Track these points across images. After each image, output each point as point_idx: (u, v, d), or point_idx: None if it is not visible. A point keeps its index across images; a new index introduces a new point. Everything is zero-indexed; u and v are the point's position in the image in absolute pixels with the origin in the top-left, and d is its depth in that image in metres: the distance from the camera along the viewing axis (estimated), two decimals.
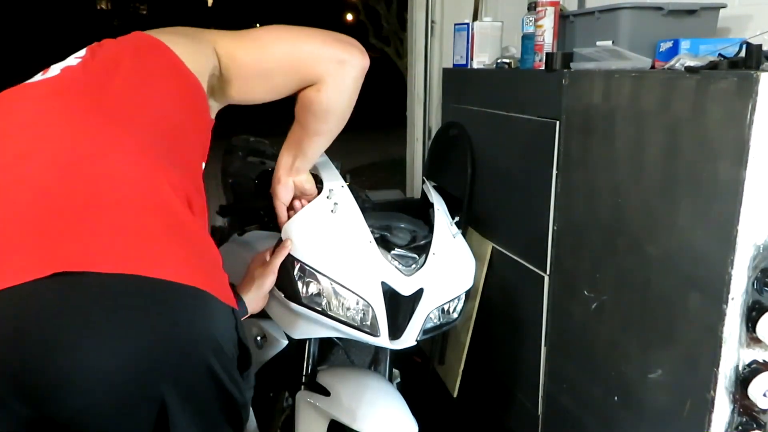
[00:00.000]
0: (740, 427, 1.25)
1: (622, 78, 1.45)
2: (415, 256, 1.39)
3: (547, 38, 1.88)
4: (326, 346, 1.59)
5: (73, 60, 1.01)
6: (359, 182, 1.62)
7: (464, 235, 2.27)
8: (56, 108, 0.90)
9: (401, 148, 3.49)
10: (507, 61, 2.14)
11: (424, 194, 1.61)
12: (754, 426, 1.25)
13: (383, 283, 1.31)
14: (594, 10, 1.79)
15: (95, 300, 0.75)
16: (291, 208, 1.38)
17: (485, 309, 2.26)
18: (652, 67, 1.51)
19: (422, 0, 3.03)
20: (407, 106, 3.26)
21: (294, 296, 1.32)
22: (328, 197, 1.37)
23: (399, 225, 1.44)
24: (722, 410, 1.24)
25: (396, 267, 1.34)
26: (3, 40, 14.01)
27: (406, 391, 1.49)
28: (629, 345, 1.49)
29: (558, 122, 1.70)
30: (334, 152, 1.42)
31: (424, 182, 1.69)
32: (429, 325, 1.39)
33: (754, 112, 1.10)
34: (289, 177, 1.35)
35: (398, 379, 1.66)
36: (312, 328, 1.38)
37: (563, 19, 1.95)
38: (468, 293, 1.48)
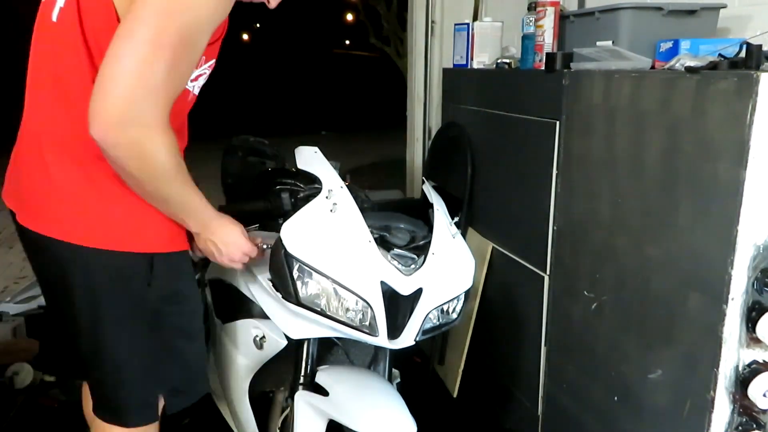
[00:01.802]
0: (740, 427, 1.25)
1: (622, 78, 1.45)
2: (414, 256, 1.39)
3: (547, 38, 1.88)
4: (325, 346, 1.59)
5: None
6: (359, 182, 1.62)
7: (464, 235, 2.27)
8: None
9: (401, 148, 3.49)
10: (507, 61, 2.14)
11: (423, 194, 1.61)
12: (754, 426, 1.24)
13: (382, 283, 1.31)
14: (594, 10, 1.79)
15: None
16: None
17: (485, 309, 2.26)
18: (652, 67, 1.51)
19: (422, 0, 3.03)
20: (407, 106, 3.26)
21: (291, 296, 1.32)
22: (327, 197, 1.37)
23: (398, 225, 1.44)
24: (722, 410, 1.24)
25: (395, 267, 1.33)
26: (3, 39, 14.01)
27: (405, 391, 1.49)
28: (629, 345, 1.49)
29: (558, 122, 1.70)
30: (333, 152, 1.42)
31: (423, 182, 1.69)
32: (428, 325, 1.39)
33: (754, 112, 1.10)
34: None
35: (398, 379, 1.66)
36: (311, 328, 1.38)
37: (563, 19, 1.95)
38: (468, 293, 1.48)
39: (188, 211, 1.20)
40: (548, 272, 1.82)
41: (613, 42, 1.66)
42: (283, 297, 1.34)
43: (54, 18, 1.15)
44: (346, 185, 1.41)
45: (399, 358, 1.58)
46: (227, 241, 1.29)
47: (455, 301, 1.45)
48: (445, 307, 1.43)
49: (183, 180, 1.14)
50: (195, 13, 1.03)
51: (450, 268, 1.43)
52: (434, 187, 1.70)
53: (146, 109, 1.02)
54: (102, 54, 1.02)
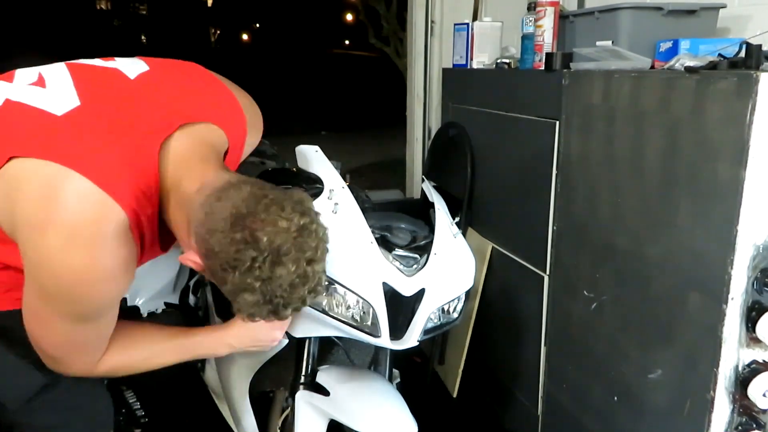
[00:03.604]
0: (740, 427, 1.25)
1: (622, 78, 1.45)
2: (416, 256, 1.39)
3: (546, 38, 1.88)
4: (326, 345, 1.59)
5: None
6: (359, 182, 1.62)
7: (464, 235, 2.27)
8: None
9: (401, 148, 3.49)
10: (507, 61, 2.14)
11: (424, 194, 1.61)
12: (754, 426, 1.25)
13: (384, 284, 1.31)
14: (594, 10, 1.79)
15: None
16: None
17: (485, 309, 2.26)
18: (652, 67, 1.51)
19: (422, 0, 3.03)
20: (407, 106, 3.26)
21: None
22: (328, 198, 1.37)
23: (399, 225, 1.44)
24: (722, 410, 1.24)
25: (397, 267, 1.34)
26: (3, 39, 14.02)
27: (406, 391, 1.49)
28: (629, 345, 1.49)
29: (558, 122, 1.70)
30: (334, 152, 1.42)
31: (423, 182, 1.69)
32: (430, 325, 1.39)
33: (754, 112, 1.10)
34: None
35: (398, 379, 1.66)
36: (312, 326, 1.38)
37: (563, 19, 1.95)
38: (468, 293, 1.48)
39: (195, 354, 1.26)
40: (548, 272, 1.82)
41: (612, 42, 1.66)
42: None
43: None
44: (347, 185, 1.41)
45: (399, 358, 1.58)
46: (255, 338, 1.29)
47: (456, 300, 1.45)
48: (445, 307, 1.43)
49: (156, 353, 1.19)
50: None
51: (452, 268, 1.43)
52: (434, 187, 1.71)
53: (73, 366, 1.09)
54: None
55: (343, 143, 8.93)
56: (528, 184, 1.90)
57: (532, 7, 1.97)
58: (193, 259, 0.97)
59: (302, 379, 1.46)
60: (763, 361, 1.23)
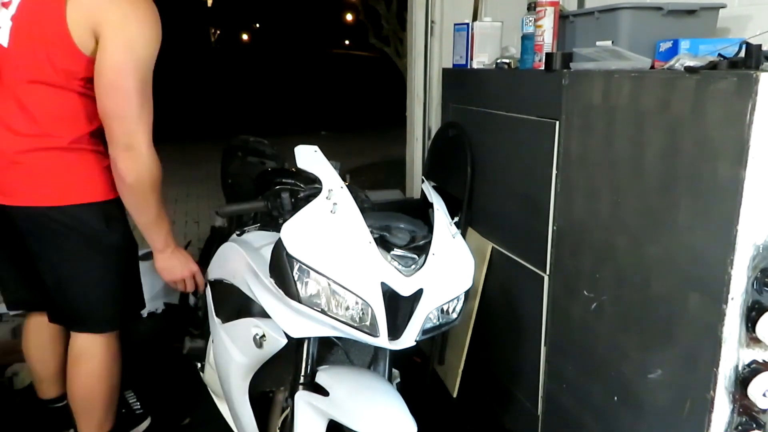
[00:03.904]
0: (740, 427, 1.25)
1: (622, 78, 1.45)
2: (415, 256, 1.39)
3: (546, 38, 1.88)
4: (325, 345, 1.59)
5: None
6: (359, 182, 1.62)
7: (464, 235, 2.27)
8: None
9: (401, 148, 3.49)
10: (507, 61, 2.14)
11: (423, 194, 1.61)
12: (754, 426, 1.25)
13: (383, 284, 1.31)
14: (594, 10, 1.79)
15: None
16: None
17: (485, 309, 2.26)
18: (652, 67, 1.51)
19: (422, 0, 3.03)
20: (407, 106, 3.26)
21: (294, 295, 1.32)
22: (327, 198, 1.37)
23: (398, 225, 1.43)
24: (722, 410, 1.24)
25: (395, 267, 1.33)
26: None
27: (405, 391, 1.49)
28: (629, 345, 1.49)
29: (558, 122, 1.70)
30: (333, 152, 1.42)
31: (423, 182, 1.69)
32: (428, 325, 1.39)
33: (754, 112, 1.10)
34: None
35: (398, 379, 1.66)
36: (311, 327, 1.38)
37: (563, 19, 1.95)
38: (467, 293, 1.47)
39: (162, 223, 1.63)
40: (548, 272, 1.82)
41: (612, 42, 1.66)
42: (285, 294, 1.34)
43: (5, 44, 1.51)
44: (346, 185, 1.41)
45: (399, 358, 1.58)
46: (185, 259, 1.76)
47: (455, 301, 1.45)
48: (445, 307, 1.42)
49: (159, 195, 1.57)
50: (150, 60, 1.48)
51: (450, 268, 1.43)
52: (434, 187, 1.70)
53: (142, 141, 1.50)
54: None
55: (342, 143, 8.94)
56: (528, 184, 1.90)
57: (532, 7, 1.97)
58: None
59: (302, 380, 1.46)
60: (763, 361, 1.23)
